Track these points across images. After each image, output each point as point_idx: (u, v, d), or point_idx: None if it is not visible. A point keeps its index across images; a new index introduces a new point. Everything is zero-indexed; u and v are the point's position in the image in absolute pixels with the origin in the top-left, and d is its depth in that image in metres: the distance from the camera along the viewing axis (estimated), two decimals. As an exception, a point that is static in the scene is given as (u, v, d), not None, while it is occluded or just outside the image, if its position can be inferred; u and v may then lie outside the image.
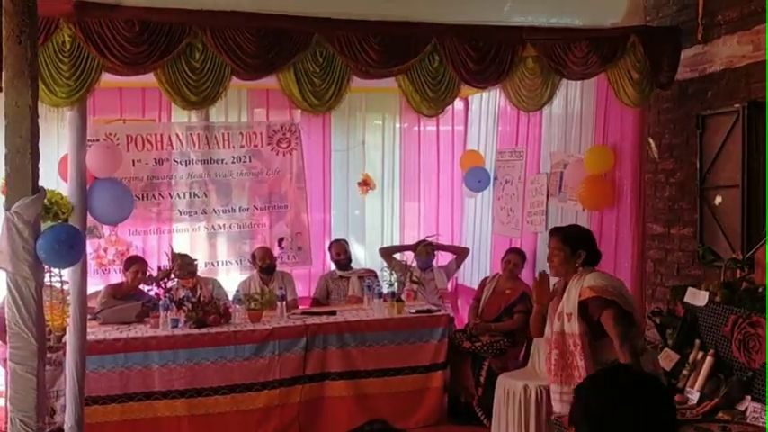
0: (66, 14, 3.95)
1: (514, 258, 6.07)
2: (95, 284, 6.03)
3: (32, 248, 3.23)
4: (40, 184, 3.35)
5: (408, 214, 7.78)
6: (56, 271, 4.49)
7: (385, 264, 6.84)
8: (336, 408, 5.42)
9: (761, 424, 3.43)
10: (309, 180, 7.22)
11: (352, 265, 6.81)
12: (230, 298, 5.96)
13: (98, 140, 6.12)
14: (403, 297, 6.06)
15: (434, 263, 7.03)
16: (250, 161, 7.01)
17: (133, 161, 6.65)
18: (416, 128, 7.74)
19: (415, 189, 7.78)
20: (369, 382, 5.50)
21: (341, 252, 6.68)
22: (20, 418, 3.27)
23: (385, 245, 7.34)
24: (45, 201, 3.50)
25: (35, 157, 3.27)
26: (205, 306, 5.37)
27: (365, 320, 5.62)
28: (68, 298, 4.40)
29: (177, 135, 6.82)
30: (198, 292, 5.77)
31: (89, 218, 4.59)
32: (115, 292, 5.79)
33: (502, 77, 4.81)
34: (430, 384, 5.61)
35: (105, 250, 6.68)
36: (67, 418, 4.24)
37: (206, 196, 6.95)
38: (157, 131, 6.77)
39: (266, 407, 5.25)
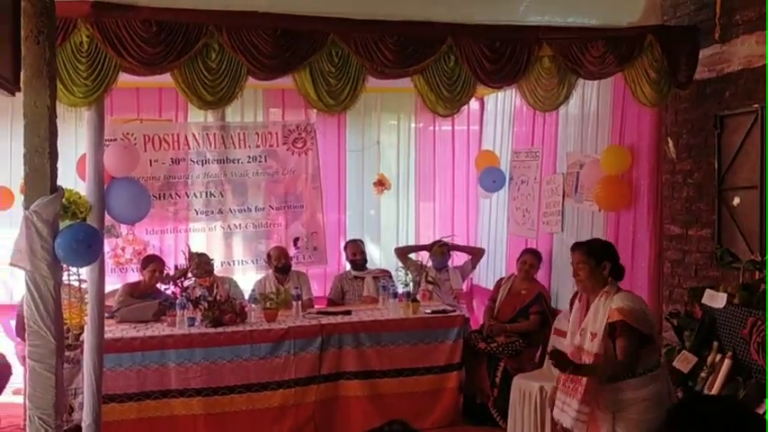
0: (83, 15, 3.98)
1: (530, 259, 6.05)
2: (113, 283, 6.08)
3: (51, 247, 3.25)
4: (59, 183, 3.37)
5: (423, 214, 7.78)
6: (74, 270, 4.53)
7: (400, 264, 6.84)
8: (351, 407, 5.43)
9: (780, 427, 3.39)
10: (325, 180, 7.24)
11: (368, 265, 6.82)
12: (246, 297, 5.98)
13: (115, 140, 6.17)
14: (418, 297, 6.05)
15: (450, 263, 7.01)
16: (266, 161, 7.04)
17: (150, 161, 6.70)
18: (432, 128, 7.74)
19: (430, 189, 7.78)
20: (384, 383, 5.50)
21: (357, 252, 6.69)
22: (38, 416, 3.30)
23: (400, 245, 7.34)
24: (63, 200, 3.53)
25: (53, 156, 3.29)
26: (221, 305, 5.39)
27: (380, 320, 5.62)
28: (86, 297, 4.44)
29: (194, 135, 6.86)
30: (214, 292, 5.80)
31: (107, 217, 4.63)
32: (132, 291, 5.83)
33: (518, 77, 4.79)
34: (445, 385, 5.60)
35: (123, 249, 6.74)
36: (85, 416, 4.27)
37: (222, 196, 6.98)
38: (174, 131, 6.81)
39: (281, 406, 5.27)
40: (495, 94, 7.40)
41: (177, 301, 5.36)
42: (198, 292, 5.68)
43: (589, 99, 5.97)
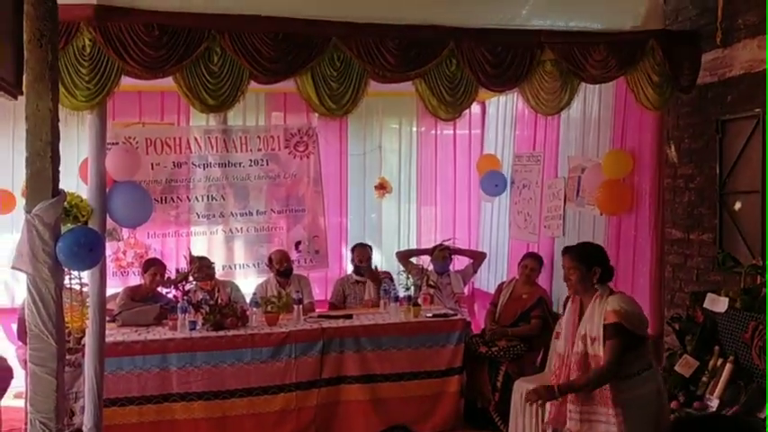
0: (86, 18, 3.99)
1: (531, 263, 6.04)
2: (114, 287, 6.07)
3: (52, 251, 3.25)
4: (61, 186, 3.37)
5: (425, 218, 7.78)
6: (75, 273, 4.54)
7: (402, 268, 6.83)
8: (353, 411, 5.42)
9: (782, 432, 3.39)
10: (326, 184, 7.25)
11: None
12: (247, 301, 5.98)
13: (117, 144, 6.17)
14: (419, 301, 6.04)
15: (451, 267, 7.01)
16: (267, 164, 7.05)
17: (152, 164, 6.70)
18: (433, 132, 7.74)
19: (431, 193, 7.78)
20: (385, 387, 5.49)
21: (363, 259, 6.63)
22: (39, 420, 3.29)
23: (401, 249, 7.34)
24: (65, 203, 3.53)
25: (55, 160, 3.29)
26: (223, 309, 5.39)
27: (381, 324, 5.61)
28: (87, 300, 4.43)
29: (196, 138, 6.86)
30: (216, 295, 5.80)
31: (108, 220, 4.63)
32: (134, 295, 5.83)
33: (519, 81, 4.80)
34: (446, 389, 5.59)
35: (124, 253, 6.74)
36: (86, 420, 4.27)
37: (224, 199, 6.99)
38: (176, 135, 6.82)
39: (283, 410, 5.26)
40: (497, 98, 7.41)
41: (178, 305, 5.35)
42: (199, 296, 5.68)
43: (591, 103, 5.98)
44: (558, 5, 4.81)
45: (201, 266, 6.02)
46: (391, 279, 6.65)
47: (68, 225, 3.73)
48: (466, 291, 7.30)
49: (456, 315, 5.92)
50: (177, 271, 6.05)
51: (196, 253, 6.27)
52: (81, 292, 4.69)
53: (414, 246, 7.54)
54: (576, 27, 4.87)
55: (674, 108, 5.19)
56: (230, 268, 7.01)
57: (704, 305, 4.27)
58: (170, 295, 5.87)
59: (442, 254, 6.87)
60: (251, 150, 6.99)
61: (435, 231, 7.72)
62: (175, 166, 6.83)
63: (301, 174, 7.11)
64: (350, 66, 4.49)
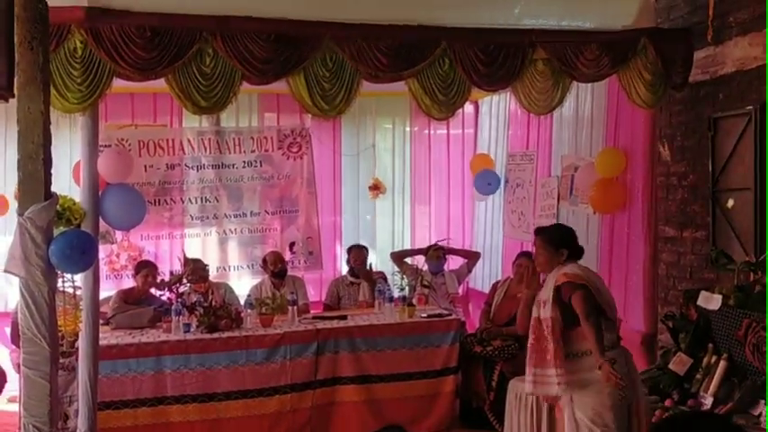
0: (77, 20, 3.97)
1: (525, 262, 6.02)
2: (108, 290, 6.05)
3: (45, 254, 3.24)
4: (53, 189, 3.36)
5: (419, 218, 7.78)
6: (68, 276, 4.51)
7: (396, 268, 6.83)
8: (348, 413, 5.41)
9: (776, 428, 3.40)
10: (320, 184, 7.24)
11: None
12: (242, 303, 5.97)
13: (110, 146, 6.15)
14: (414, 301, 6.04)
15: (445, 267, 7.01)
16: (261, 166, 7.04)
17: (145, 166, 6.69)
18: (427, 131, 7.75)
19: (425, 193, 7.79)
20: (380, 387, 5.49)
21: (359, 261, 6.62)
22: (33, 424, 3.28)
23: (396, 249, 7.33)
24: (57, 206, 3.52)
25: (47, 162, 3.29)
26: (217, 311, 5.38)
27: (376, 325, 5.60)
28: (81, 303, 4.42)
29: (189, 140, 6.85)
30: (210, 297, 5.79)
31: (101, 223, 4.61)
32: (127, 297, 5.81)
33: (512, 80, 4.80)
34: (441, 389, 5.59)
35: (118, 255, 6.72)
36: (80, 424, 4.26)
37: (217, 201, 6.98)
38: (169, 136, 6.81)
39: (278, 412, 5.25)
40: (490, 98, 7.42)
41: (173, 307, 5.33)
42: (193, 298, 5.66)
43: (583, 102, 5.99)
44: (550, 5, 4.82)
45: (195, 268, 6.00)
46: (385, 279, 6.65)
47: (61, 228, 3.72)
48: (460, 290, 7.31)
49: (451, 315, 5.93)
50: (171, 273, 6.03)
51: (190, 255, 6.26)
52: (74, 295, 4.66)
53: (408, 246, 7.54)
54: (567, 26, 4.88)
55: (667, 106, 5.20)
56: (224, 270, 7.00)
57: (698, 303, 4.28)
58: (164, 298, 5.85)
59: (437, 254, 6.87)
60: (244, 152, 6.98)
61: (429, 231, 7.73)
62: (168, 168, 6.82)
63: (295, 174, 7.11)
64: (342, 66, 4.49)
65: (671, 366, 4.22)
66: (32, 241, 3.22)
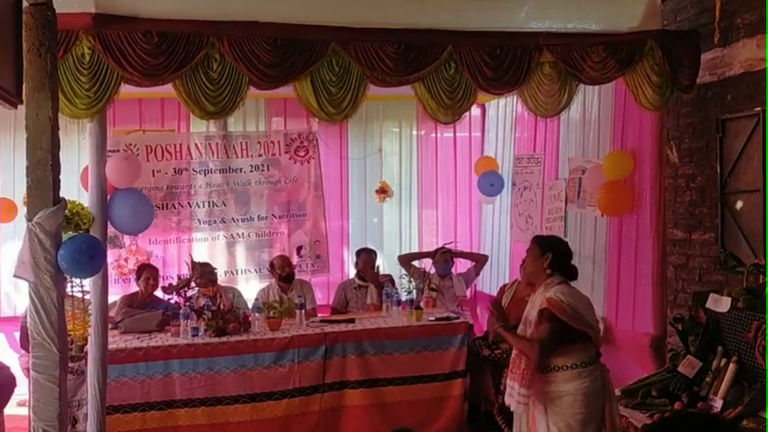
0: (85, 27, 3.99)
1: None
2: (116, 294, 6.08)
3: (54, 259, 3.26)
4: (61, 194, 3.38)
5: (426, 221, 7.78)
6: (77, 281, 4.52)
7: (404, 271, 6.83)
8: (356, 416, 5.41)
9: (786, 431, 3.38)
10: (327, 188, 7.25)
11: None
12: (249, 306, 5.98)
13: (118, 151, 6.18)
14: (422, 305, 6.04)
15: (453, 270, 7.00)
16: (268, 170, 7.06)
17: (153, 171, 6.72)
18: (433, 135, 7.75)
19: (432, 196, 7.79)
20: (388, 391, 5.49)
21: (368, 265, 6.62)
22: (43, 428, 3.30)
23: (403, 252, 7.33)
24: (66, 211, 3.53)
25: (56, 168, 3.30)
26: (225, 315, 5.39)
27: (384, 328, 5.60)
28: (90, 308, 4.43)
29: (196, 144, 6.88)
30: (218, 301, 5.80)
31: (110, 228, 4.63)
32: (131, 302, 5.83)
33: (518, 84, 4.79)
34: (450, 392, 5.58)
35: (126, 260, 6.74)
36: (89, 428, 4.27)
37: (225, 205, 7.00)
38: (176, 141, 6.83)
39: (286, 415, 5.25)
40: (497, 101, 7.41)
41: (181, 311, 5.35)
42: (201, 302, 5.67)
43: (590, 104, 5.97)
44: (557, 8, 4.81)
45: (204, 272, 6.01)
46: (392, 282, 6.65)
47: (70, 233, 3.73)
48: (468, 293, 7.30)
49: (458, 318, 5.92)
50: (179, 277, 6.04)
51: (198, 259, 6.27)
52: (83, 299, 4.68)
53: (415, 249, 7.54)
54: (574, 29, 4.87)
55: (674, 108, 5.18)
56: (232, 274, 7.02)
57: (707, 305, 4.26)
58: (172, 301, 5.86)
59: (444, 257, 6.86)
60: (251, 156, 7.00)
61: (436, 234, 7.73)
62: (176, 173, 6.84)
63: (302, 179, 7.13)
64: (349, 70, 4.50)
65: (680, 369, 4.20)
66: (41, 246, 3.24)
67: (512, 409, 3.85)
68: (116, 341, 5.10)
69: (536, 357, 3.61)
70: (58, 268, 3.27)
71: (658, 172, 5.22)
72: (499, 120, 7.60)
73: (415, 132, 7.74)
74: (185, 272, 6.14)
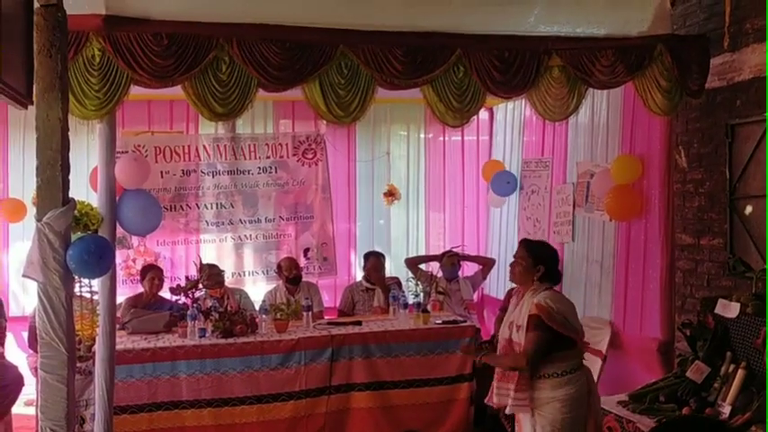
0: (95, 28, 4.01)
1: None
2: (124, 294, 6.10)
3: (63, 259, 3.27)
4: (71, 195, 3.39)
5: (433, 224, 7.78)
6: (86, 281, 4.55)
7: (410, 274, 6.83)
8: (362, 419, 5.41)
9: (795, 438, 3.36)
10: (335, 191, 7.26)
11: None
12: (257, 308, 5.98)
13: (127, 152, 6.20)
14: (429, 308, 6.04)
15: (460, 273, 7.00)
16: (276, 172, 7.07)
17: (161, 172, 6.74)
18: (441, 138, 7.75)
19: (440, 199, 7.79)
20: (395, 394, 5.49)
21: (376, 268, 6.62)
22: (50, 427, 3.30)
23: (410, 255, 7.33)
24: (75, 212, 3.55)
25: (65, 168, 3.31)
26: (232, 316, 5.40)
27: (391, 331, 5.60)
28: (98, 308, 4.45)
29: (204, 146, 6.90)
30: (225, 303, 5.81)
31: (118, 228, 4.65)
32: (136, 303, 5.85)
33: (527, 87, 4.79)
34: (456, 396, 5.58)
35: (134, 260, 6.77)
36: (97, 428, 4.28)
37: (232, 207, 7.02)
38: (185, 143, 6.86)
39: (292, 417, 5.26)
40: (505, 104, 7.41)
41: (188, 312, 5.36)
42: (209, 303, 5.69)
43: (599, 109, 5.96)
44: (566, 12, 4.81)
45: (211, 274, 6.03)
46: (399, 284, 6.65)
47: (78, 233, 3.74)
48: (475, 297, 7.29)
49: (465, 321, 5.91)
50: (187, 278, 6.06)
51: (205, 260, 6.29)
52: (91, 300, 4.70)
53: (422, 252, 7.54)
54: (583, 33, 4.86)
55: (683, 113, 5.17)
56: (239, 275, 7.03)
57: (715, 311, 4.24)
58: (180, 302, 5.88)
59: (451, 260, 6.86)
60: (259, 158, 7.02)
61: (444, 238, 7.73)
62: (184, 174, 6.87)
63: (310, 181, 7.13)
64: (357, 73, 4.50)
65: (688, 374, 4.18)
66: (50, 246, 3.25)
67: (507, 412, 3.89)
68: (124, 341, 5.12)
69: (527, 369, 3.67)
70: (66, 268, 3.29)
71: (667, 177, 5.21)
72: (507, 123, 7.59)
73: (422, 135, 7.75)
74: (193, 273, 6.16)
